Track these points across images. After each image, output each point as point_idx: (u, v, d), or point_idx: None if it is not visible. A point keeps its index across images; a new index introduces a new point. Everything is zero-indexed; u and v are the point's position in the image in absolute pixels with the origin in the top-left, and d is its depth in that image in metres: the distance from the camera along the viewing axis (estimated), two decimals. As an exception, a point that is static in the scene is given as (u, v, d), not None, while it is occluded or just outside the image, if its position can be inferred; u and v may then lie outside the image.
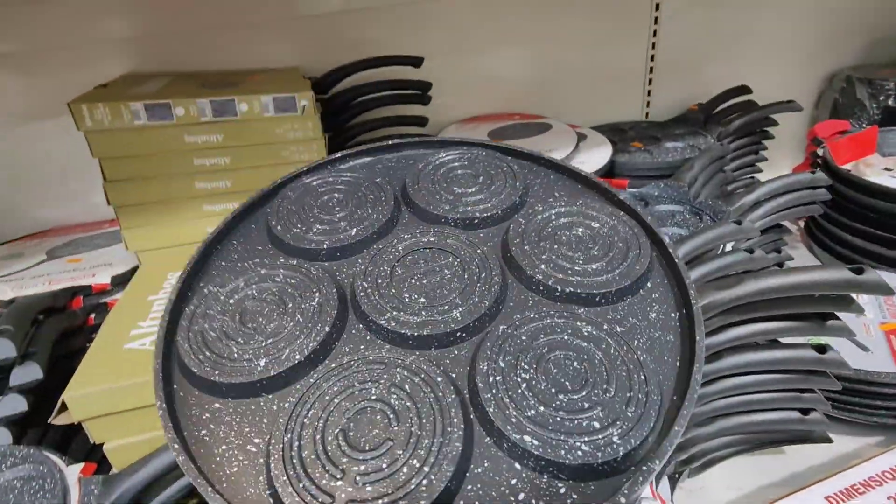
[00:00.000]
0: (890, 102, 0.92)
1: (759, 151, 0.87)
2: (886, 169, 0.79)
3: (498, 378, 0.28)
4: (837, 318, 0.43)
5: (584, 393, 0.27)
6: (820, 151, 0.80)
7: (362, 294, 0.32)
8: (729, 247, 0.57)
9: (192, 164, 0.57)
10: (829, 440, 0.51)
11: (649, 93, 0.93)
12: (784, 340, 0.46)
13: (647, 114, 0.95)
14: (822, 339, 0.46)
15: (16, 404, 0.48)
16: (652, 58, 0.91)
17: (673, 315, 0.33)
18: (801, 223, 0.86)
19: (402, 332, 0.30)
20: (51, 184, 0.75)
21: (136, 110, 0.54)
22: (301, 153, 0.61)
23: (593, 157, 0.74)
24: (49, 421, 0.42)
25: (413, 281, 0.33)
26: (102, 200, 0.57)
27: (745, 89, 0.86)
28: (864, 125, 0.93)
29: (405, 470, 0.24)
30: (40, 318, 0.54)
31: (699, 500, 0.52)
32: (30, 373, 0.48)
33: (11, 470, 0.35)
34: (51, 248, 0.68)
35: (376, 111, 0.74)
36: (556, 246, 0.35)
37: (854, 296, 0.47)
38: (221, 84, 0.61)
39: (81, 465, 0.36)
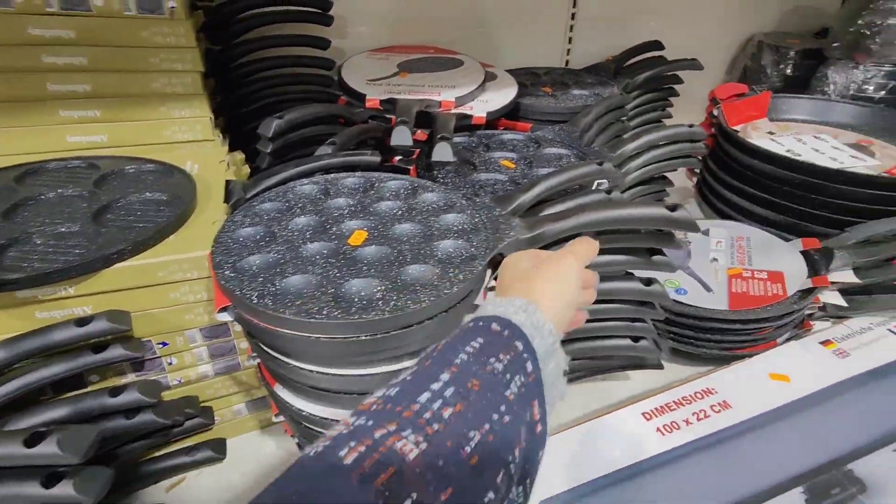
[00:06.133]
0: (790, 70, 0.97)
1: (666, 108, 0.89)
2: (769, 133, 0.85)
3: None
4: (663, 254, 0.47)
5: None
6: (715, 112, 0.84)
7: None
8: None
9: (41, 61, 0.52)
10: (660, 366, 0.57)
11: (570, 40, 0.93)
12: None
13: (567, 62, 0.95)
14: (651, 273, 0.50)
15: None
16: (574, 3, 0.90)
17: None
18: (694, 180, 0.91)
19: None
20: None
21: (-35, -9, 0.48)
22: (173, 62, 0.56)
23: (496, 97, 0.74)
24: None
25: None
26: None
27: (656, 45, 0.88)
28: (765, 90, 0.97)
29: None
30: None
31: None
32: None
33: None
34: None
35: (273, 27, 0.70)
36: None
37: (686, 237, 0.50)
38: (80, -26, 0.55)
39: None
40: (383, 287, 0.39)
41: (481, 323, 0.28)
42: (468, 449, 0.22)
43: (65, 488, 0.35)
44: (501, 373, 0.25)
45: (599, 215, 0.42)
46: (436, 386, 0.24)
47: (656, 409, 0.52)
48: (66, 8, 0.51)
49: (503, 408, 0.24)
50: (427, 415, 0.23)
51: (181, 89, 0.58)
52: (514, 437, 0.24)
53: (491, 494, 0.22)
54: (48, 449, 0.34)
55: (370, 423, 0.22)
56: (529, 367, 0.27)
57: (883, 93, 0.92)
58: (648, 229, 0.46)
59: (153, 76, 0.56)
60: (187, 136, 0.60)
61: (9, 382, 0.40)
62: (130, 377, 0.49)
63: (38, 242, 0.44)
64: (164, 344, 0.48)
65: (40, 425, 0.41)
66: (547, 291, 0.31)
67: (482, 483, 0.22)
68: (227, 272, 0.40)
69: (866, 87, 0.91)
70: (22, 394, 0.41)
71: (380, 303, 0.38)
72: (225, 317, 0.40)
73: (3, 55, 0.51)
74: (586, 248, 0.36)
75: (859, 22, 0.89)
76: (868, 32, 0.88)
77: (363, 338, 0.37)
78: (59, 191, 0.51)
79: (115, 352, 0.44)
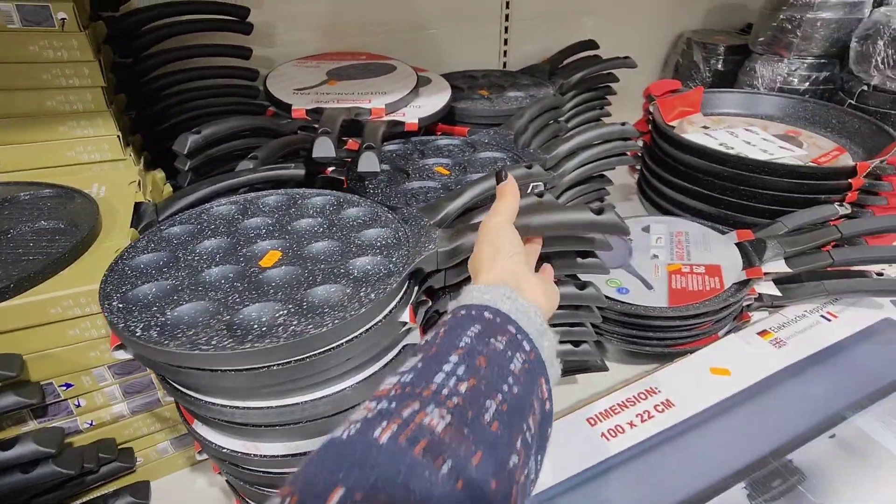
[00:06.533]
0: (719, 66, 0.99)
1: (604, 106, 0.90)
2: (704, 127, 0.86)
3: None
4: (595, 256, 0.46)
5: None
6: (651, 108, 0.85)
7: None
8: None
9: (-87, 81, 0.47)
10: (605, 368, 0.57)
11: (506, 41, 0.93)
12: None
13: (504, 64, 0.95)
14: (591, 276, 0.50)
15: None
16: (507, 4, 0.89)
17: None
18: (636, 176, 0.92)
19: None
20: None
21: None
22: (68, 77, 0.52)
23: (430, 101, 0.72)
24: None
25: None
26: None
27: (591, 44, 0.88)
28: (697, 86, 1.00)
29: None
30: None
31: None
32: None
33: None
34: None
35: (189, 37, 0.66)
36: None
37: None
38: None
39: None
40: (285, 311, 0.36)
41: (473, 312, 0.30)
42: (487, 417, 0.24)
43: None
44: (503, 350, 0.28)
45: (524, 222, 0.41)
46: (447, 367, 0.26)
47: (600, 413, 0.51)
48: (-63, 23, 0.46)
49: (511, 380, 0.27)
50: (445, 391, 0.25)
51: (81, 106, 0.53)
52: (527, 406, 0.27)
53: (515, 458, 0.24)
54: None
55: (393, 405, 0.24)
56: (527, 346, 0.29)
57: (807, 84, 0.96)
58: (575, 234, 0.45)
59: (48, 93, 0.52)
60: (94, 157, 0.56)
61: None
62: (32, 425, 0.44)
63: None
64: (69, 385, 0.44)
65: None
66: (502, 270, 0.33)
67: (505, 447, 0.24)
68: (115, 303, 0.37)
69: (791, 79, 0.95)
70: None
71: (279, 329, 0.35)
72: (121, 354, 0.36)
73: None
74: (506, 203, 0.38)
75: (780, 17, 0.92)
76: (789, 27, 0.92)
77: (269, 367, 0.34)
78: (-60, 224, 0.46)
79: (7, 399, 0.40)
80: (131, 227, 0.47)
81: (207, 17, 0.66)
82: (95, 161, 0.56)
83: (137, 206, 0.50)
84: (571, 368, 0.56)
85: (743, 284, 0.61)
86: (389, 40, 0.86)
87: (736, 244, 0.67)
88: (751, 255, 0.64)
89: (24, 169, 0.54)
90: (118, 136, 0.56)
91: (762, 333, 0.60)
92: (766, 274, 0.62)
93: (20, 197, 0.50)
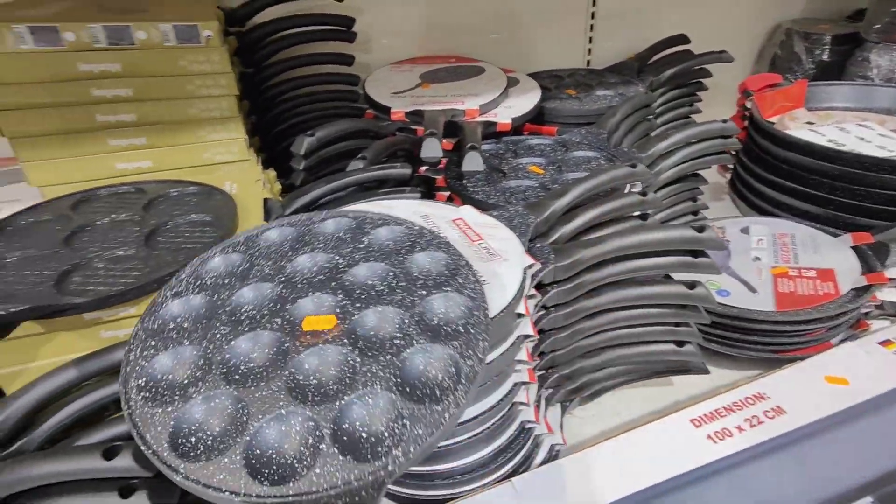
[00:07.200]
0: (825, 57, 0.93)
1: (694, 103, 0.87)
2: (808, 123, 0.81)
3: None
4: (706, 256, 0.46)
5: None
6: (748, 104, 0.82)
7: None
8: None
9: (90, 94, 0.55)
10: (706, 371, 0.55)
11: (591, 40, 0.92)
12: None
13: (588, 62, 0.94)
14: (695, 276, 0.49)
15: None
16: (594, 2, 0.89)
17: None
18: (728, 175, 0.88)
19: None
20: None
21: (20, 33, 0.51)
22: (209, 88, 0.59)
23: (520, 102, 0.73)
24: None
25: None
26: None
27: (682, 39, 0.86)
28: (799, 79, 0.94)
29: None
30: None
31: (589, 426, 0.56)
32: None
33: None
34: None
35: (300, 48, 0.72)
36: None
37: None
38: (123, 9, 0.58)
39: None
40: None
41: None
42: None
43: (140, 499, 0.36)
44: None
45: (631, 240, 0.42)
46: None
47: (705, 415, 0.50)
48: (112, 43, 0.54)
49: None
50: None
51: (218, 113, 0.60)
52: None
53: None
54: (124, 462, 0.35)
55: None
56: None
57: (932, 74, 0.88)
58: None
59: (192, 102, 0.59)
60: (225, 158, 0.63)
61: (77, 401, 0.42)
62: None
63: (99, 266, 0.46)
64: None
65: (108, 441, 0.43)
66: None
67: None
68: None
69: (913, 69, 0.87)
70: (89, 411, 0.43)
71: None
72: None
73: (56, 90, 0.54)
74: None
75: (901, 2, 0.85)
76: (912, 12, 0.84)
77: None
78: (112, 216, 0.53)
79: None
80: (264, 220, 0.52)
81: (318, 28, 0.71)
82: (226, 161, 0.62)
83: (265, 201, 0.56)
84: (671, 369, 0.56)
85: (863, 290, 0.57)
86: (475, 42, 0.88)
87: (851, 248, 0.63)
88: (870, 259, 0.60)
89: (169, 169, 0.61)
90: (245, 139, 0.62)
91: (885, 343, 0.56)
92: (890, 280, 0.57)
93: (171, 193, 0.57)
